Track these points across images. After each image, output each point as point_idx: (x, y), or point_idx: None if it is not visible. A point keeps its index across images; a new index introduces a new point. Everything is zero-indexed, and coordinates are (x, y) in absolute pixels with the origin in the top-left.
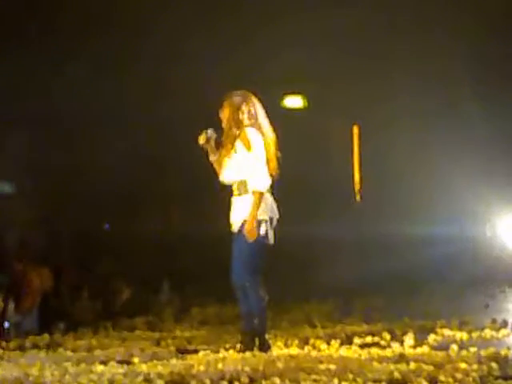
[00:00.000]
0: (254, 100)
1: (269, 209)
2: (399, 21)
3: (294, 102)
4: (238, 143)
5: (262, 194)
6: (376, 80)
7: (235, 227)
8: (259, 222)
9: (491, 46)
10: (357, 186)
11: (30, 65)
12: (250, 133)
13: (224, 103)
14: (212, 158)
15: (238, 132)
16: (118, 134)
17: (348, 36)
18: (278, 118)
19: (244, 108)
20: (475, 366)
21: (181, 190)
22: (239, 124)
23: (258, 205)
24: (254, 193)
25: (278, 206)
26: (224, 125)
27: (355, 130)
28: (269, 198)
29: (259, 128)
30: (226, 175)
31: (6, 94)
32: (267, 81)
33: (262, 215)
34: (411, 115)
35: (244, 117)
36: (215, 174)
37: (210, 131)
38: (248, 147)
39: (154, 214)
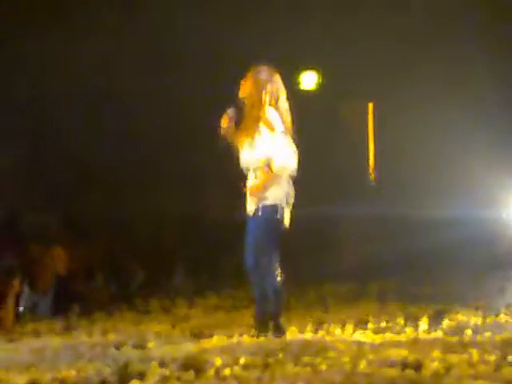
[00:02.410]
0: (279, 80)
1: (285, 193)
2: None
3: (309, 78)
4: (261, 125)
5: (280, 169)
6: (392, 58)
7: (250, 210)
8: (275, 206)
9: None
10: (371, 167)
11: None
12: (271, 113)
13: (249, 77)
14: (236, 140)
15: (259, 113)
16: (131, 111)
17: (364, 13)
18: (293, 95)
19: (268, 88)
20: (490, 351)
21: (196, 171)
22: (261, 104)
23: (270, 177)
24: (273, 167)
25: (293, 187)
26: (245, 99)
27: (370, 108)
28: (286, 181)
29: (278, 109)
30: (248, 157)
31: None
32: (282, 57)
33: (279, 199)
34: (428, 95)
35: (267, 97)
36: (237, 156)
37: (230, 111)
38: (271, 128)
39: (169, 196)
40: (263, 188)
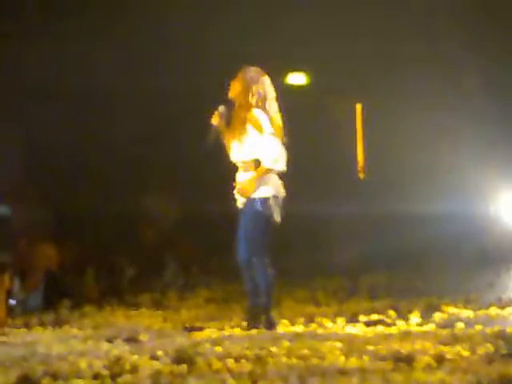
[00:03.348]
0: (266, 81)
1: (274, 187)
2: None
3: (297, 79)
4: (249, 126)
5: (268, 170)
6: (380, 59)
7: (240, 203)
8: (265, 200)
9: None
10: (360, 164)
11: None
12: (258, 114)
13: (238, 78)
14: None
15: (246, 114)
16: (119, 109)
17: (354, 15)
18: (281, 94)
19: (254, 89)
20: (481, 344)
21: (186, 165)
22: (247, 105)
23: (259, 176)
24: (262, 167)
25: (283, 184)
26: (234, 99)
27: (358, 108)
28: (274, 177)
29: (266, 111)
30: (238, 156)
31: None
32: (270, 57)
33: (268, 193)
34: (415, 94)
35: (253, 98)
36: (226, 153)
37: (221, 108)
38: (260, 130)
39: (159, 191)
40: (251, 187)
